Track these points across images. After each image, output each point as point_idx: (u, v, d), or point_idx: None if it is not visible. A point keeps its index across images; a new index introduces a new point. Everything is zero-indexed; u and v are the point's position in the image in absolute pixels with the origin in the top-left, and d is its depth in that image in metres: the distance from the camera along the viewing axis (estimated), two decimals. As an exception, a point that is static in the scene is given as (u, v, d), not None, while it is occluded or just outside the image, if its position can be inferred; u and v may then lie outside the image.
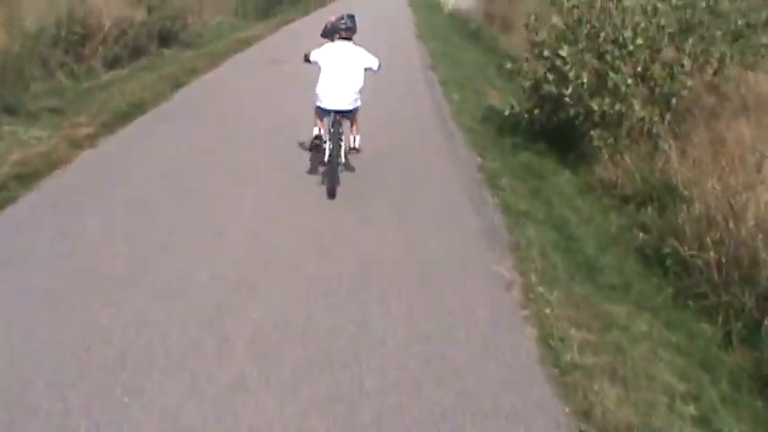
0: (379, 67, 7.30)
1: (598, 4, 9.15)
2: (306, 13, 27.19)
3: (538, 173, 8.87)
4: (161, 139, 9.04)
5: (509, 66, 10.35)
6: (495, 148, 9.56)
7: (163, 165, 7.87)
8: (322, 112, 7.21)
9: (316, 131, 7.39)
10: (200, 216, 6.39)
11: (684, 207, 6.60)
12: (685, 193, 6.90)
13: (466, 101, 12.16)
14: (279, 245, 5.90)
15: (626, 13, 8.73)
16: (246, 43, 17.57)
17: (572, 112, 8.96)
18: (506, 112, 10.05)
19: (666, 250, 6.26)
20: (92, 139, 8.53)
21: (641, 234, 6.96)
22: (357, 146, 7.56)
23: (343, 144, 7.13)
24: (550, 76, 9.05)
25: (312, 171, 7.75)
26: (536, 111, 9.83)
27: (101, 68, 13.63)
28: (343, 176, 7.34)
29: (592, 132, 8.81)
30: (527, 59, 10.18)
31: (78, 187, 7.06)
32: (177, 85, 12.16)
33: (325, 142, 7.12)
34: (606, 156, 8.68)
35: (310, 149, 7.61)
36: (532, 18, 9.86)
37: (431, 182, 7.95)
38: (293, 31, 21.78)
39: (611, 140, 8.73)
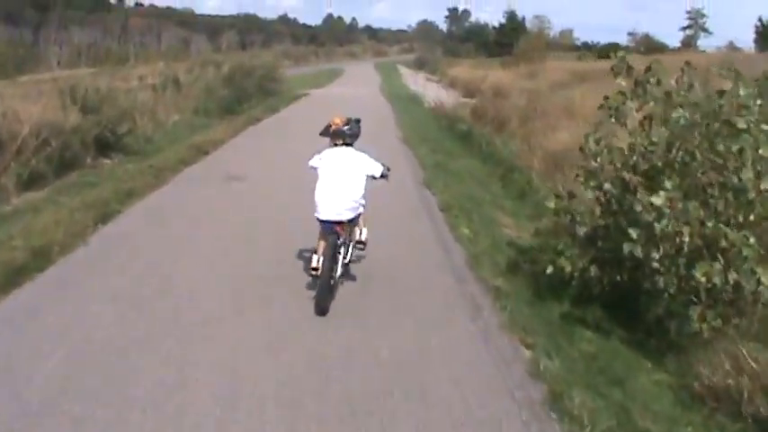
0: (382, 175, 6.92)
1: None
2: (275, 110, 24.50)
3: (613, 373, 5.94)
4: (48, 331, 5.94)
5: (552, 203, 7.43)
6: (540, 326, 6.61)
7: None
8: (320, 223, 6.69)
9: (314, 262, 6.58)
10: None
11: None
12: None
13: (479, 237, 9.27)
14: None
15: (742, 140, 5.91)
16: (202, 151, 14.67)
17: (661, 282, 6.09)
18: (548, 270, 7.14)
19: None
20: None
21: None
22: (364, 238, 7.09)
23: (340, 258, 6.72)
24: (633, 233, 6.12)
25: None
26: (592, 269, 6.95)
27: (12, 189, 10.64)
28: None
29: (690, 311, 5.94)
30: (569, 194, 7.35)
31: None
32: (103, 217, 9.16)
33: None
34: (714, 346, 5.81)
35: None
36: (592, 140, 7.02)
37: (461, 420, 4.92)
38: (259, 133, 19.02)
39: (719, 323, 5.87)
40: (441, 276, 7.73)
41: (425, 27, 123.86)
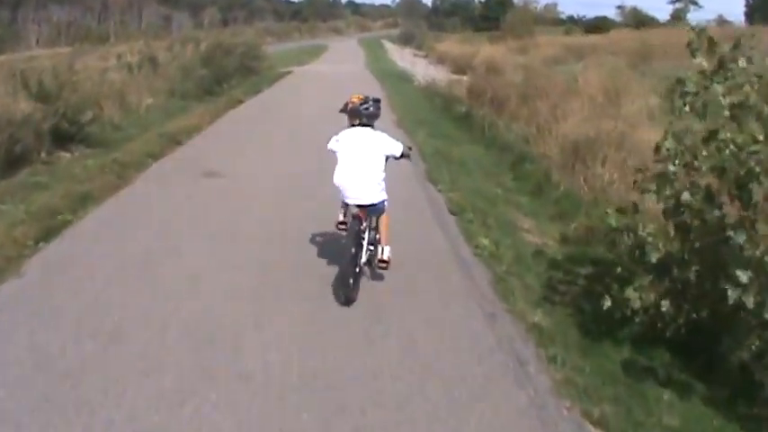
0: (402, 155, 6.54)
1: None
2: (257, 91, 22.68)
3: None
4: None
5: (612, 220, 5.76)
6: (603, 386, 5.02)
7: None
8: (345, 203, 6.53)
9: (340, 216, 6.68)
10: None
11: None
12: None
13: (501, 249, 7.68)
14: None
15: None
16: (176, 141, 12.92)
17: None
18: (605, 305, 5.53)
19: None
20: None
21: None
22: (387, 257, 6.46)
23: (364, 244, 6.38)
24: (743, 276, 4.50)
25: None
26: (664, 304, 5.35)
27: (-57, 195, 8.93)
28: None
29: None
30: (633, 207, 5.74)
31: None
32: (47, 232, 7.47)
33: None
34: None
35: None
36: (670, 138, 5.36)
37: None
38: (241, 118, 17.21)
39: None
40: (465, 312, 6.08)
41: (409, 1, 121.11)
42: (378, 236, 6.55)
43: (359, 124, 6.41)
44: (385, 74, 31.12)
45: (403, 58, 45.43)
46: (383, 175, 6.36)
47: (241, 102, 19.61)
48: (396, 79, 28.66)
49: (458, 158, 12.69)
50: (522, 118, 16.62)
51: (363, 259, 6.39)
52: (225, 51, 25.51)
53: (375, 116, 6.50)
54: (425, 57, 46.73)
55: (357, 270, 6.22)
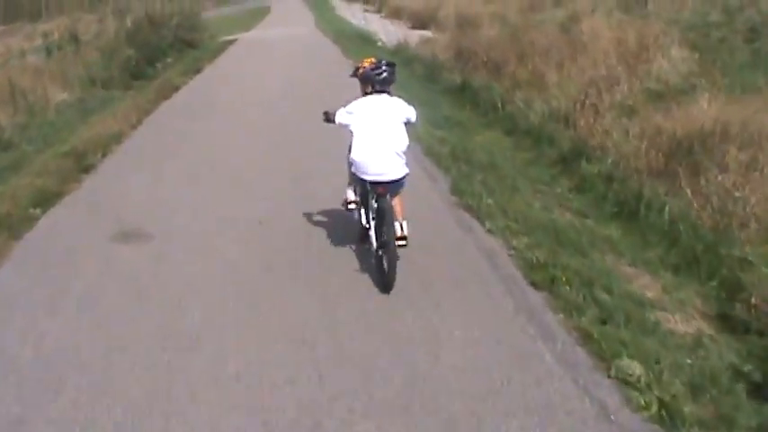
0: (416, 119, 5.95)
1: None
2: (197, 69, 18.44)
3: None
4: None
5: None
6: None
7: None
8: (360, 182, 5.68)
9: (350, 195, 5.99)
10: None
11: None
12: None
13: (663, 378, 4.02)
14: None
15: None
16: (84, 165, 8.88)
17: None
18: None
19: None
20: None
21: None
22: (405, 232, 5.49)
23: (396, 223, 5.45)
24: None
25: None
26: None
27: None
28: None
29: None
30: None
31: None
32: None
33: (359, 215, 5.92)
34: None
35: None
36: None
37: None
38: (176, 112, 12.96)
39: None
40: None
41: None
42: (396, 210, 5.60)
43: (372, 91, 5.68)
44: (341, 35, 26.85)
45: (354, 15, 40.90)
46: (407, 143, 5.61)
47: (177, 88, 15.31)
48: (356, 41, 24.44)
49: (483, 158, 8.88)
50: (526, 85, 12.89)
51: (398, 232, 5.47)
52: (156, 24, 21.14)
53: (389, 82, 5.73)
54: (378, 12, 42.38)
55: (394, 246, 5.36)
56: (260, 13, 44.50)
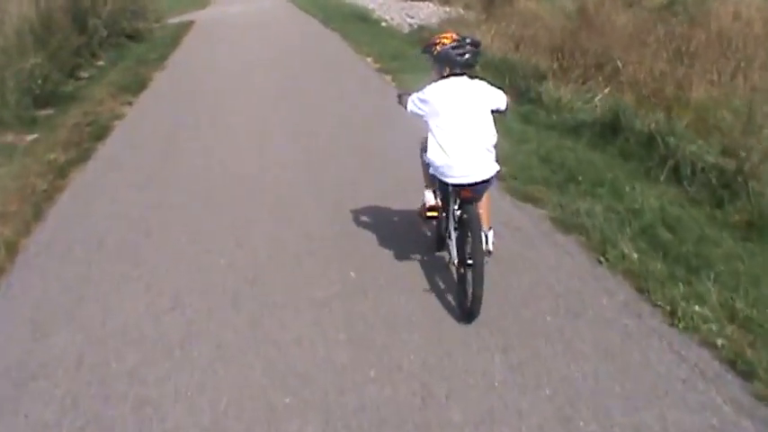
0: (507, 107, 4.49)
1: None
2: (142, 82, 12.03)
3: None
4: None
5: None
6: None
7: None
8: (440, 185, 4.49)
9: (429, 198, 4.71)
10: None
11: None
12: None
13: None
14: None
15: None
16: None
17: None
18: None
19: None
20: None
21: None
22: (491, 247, 4.36)
23: (483, 234, 4.19)
24: None
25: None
26: None
27: None
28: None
29: None
30: None
31: None
32: None
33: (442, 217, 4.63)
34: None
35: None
36: None
37: None
38: (107, 185, 6.65)
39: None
40: None
41: None
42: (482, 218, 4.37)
43: (450, 74, 4.29)
44: (333, 12, 20.54)
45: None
46: (496, 136, 4.28)
47: (107, 126, 9.05)
48: (353, 22, 18.15)
49: None
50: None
51: (489, 246, 4.33)
52: (82, 13, 14.62)
53: (471, 66, 4.37)
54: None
55: (482, 264, 4.07)
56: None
